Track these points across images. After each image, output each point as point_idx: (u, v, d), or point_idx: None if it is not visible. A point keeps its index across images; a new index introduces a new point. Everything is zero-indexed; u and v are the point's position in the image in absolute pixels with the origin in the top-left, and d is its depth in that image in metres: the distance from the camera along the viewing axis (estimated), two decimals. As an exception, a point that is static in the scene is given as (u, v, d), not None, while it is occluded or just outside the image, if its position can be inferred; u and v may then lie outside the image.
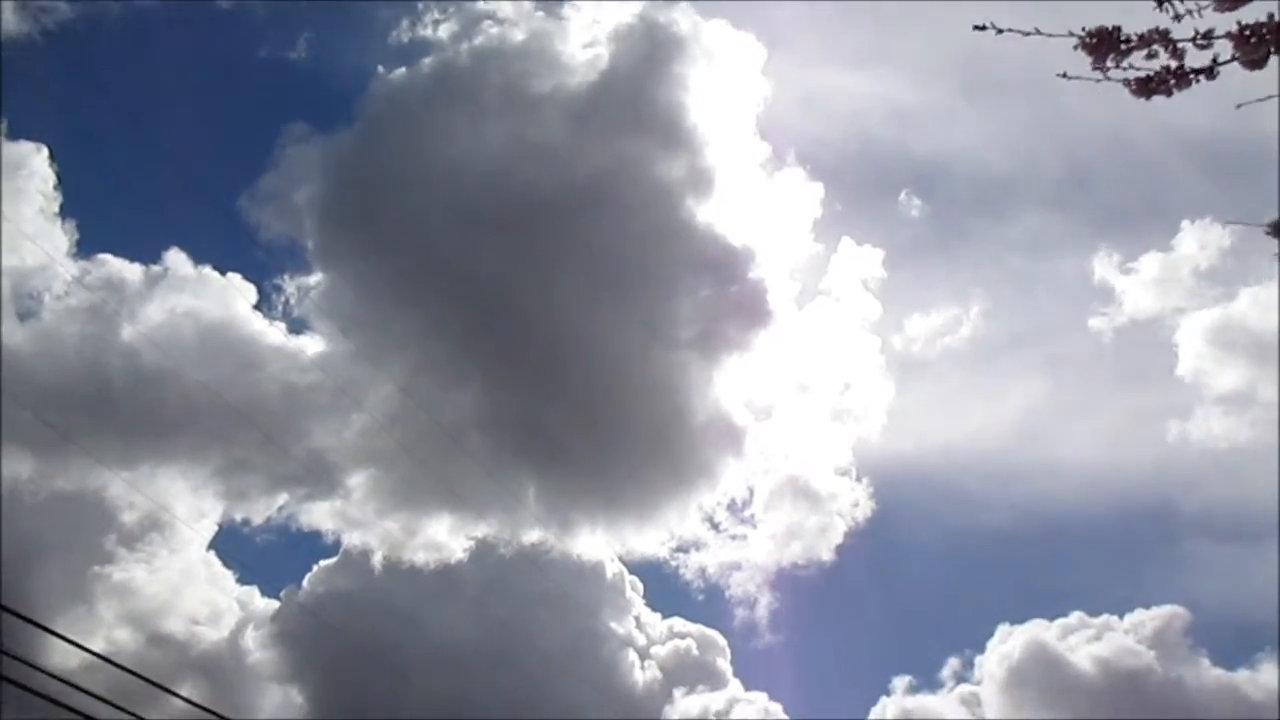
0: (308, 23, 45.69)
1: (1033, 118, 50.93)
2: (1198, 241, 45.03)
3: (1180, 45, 3.86)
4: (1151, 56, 3.90)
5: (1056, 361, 53.87)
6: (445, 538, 34.43)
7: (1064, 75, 3.96)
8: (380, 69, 46.19)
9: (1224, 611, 48.96)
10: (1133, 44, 3.86)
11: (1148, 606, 40.36)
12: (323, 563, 35.82)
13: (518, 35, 38.43)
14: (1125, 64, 3.98)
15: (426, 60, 39.86)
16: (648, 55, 37.66)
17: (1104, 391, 53.51)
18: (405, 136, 37.14)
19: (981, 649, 40.08)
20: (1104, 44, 3.86)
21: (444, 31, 39.89)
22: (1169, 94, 4.05)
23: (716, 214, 43.41)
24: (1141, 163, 50.52)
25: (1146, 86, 4.02)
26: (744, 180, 43.79)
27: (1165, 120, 46.75)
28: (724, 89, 40.41)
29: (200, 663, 32.87)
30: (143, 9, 40.83)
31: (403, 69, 39.73)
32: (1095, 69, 3.88)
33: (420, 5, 47.95)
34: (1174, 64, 3.95)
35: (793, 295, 53.51)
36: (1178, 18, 3.87)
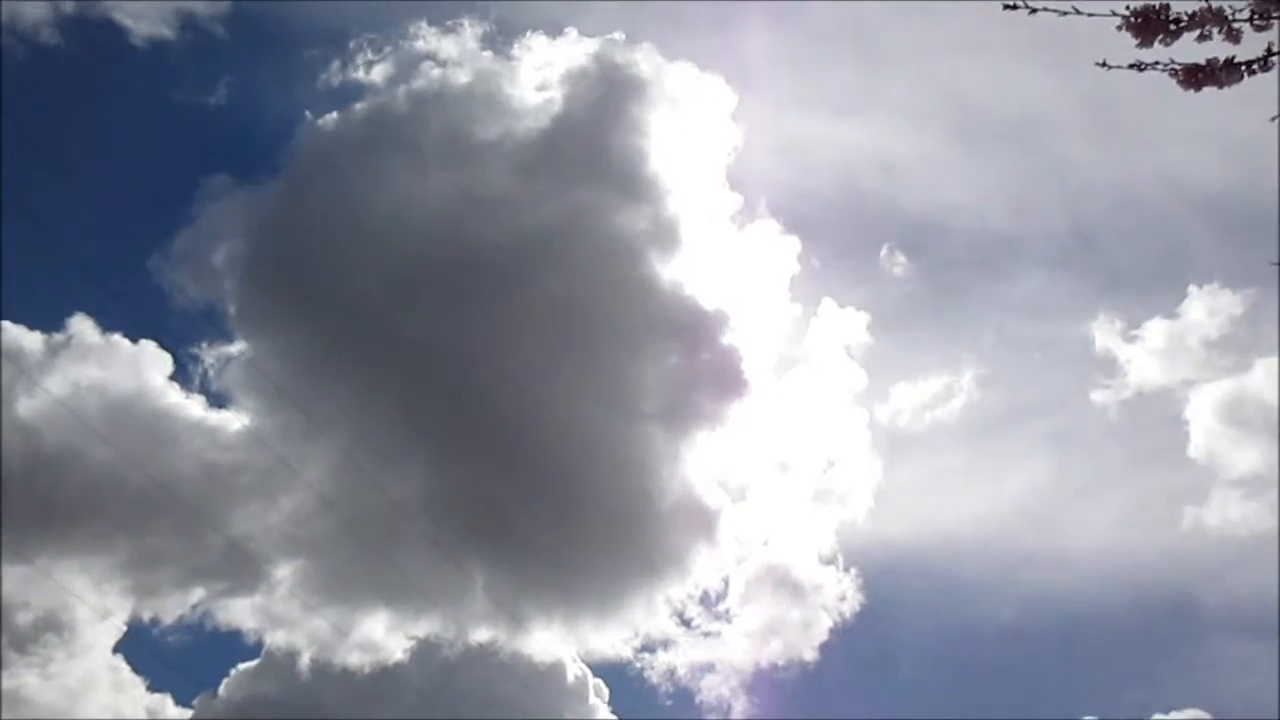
0: (229, 64, 45.28)
1: (1030, 170, 50.28)
2: (1206, 308, 44.23)
3: (1236, 26, 3.65)
4: (1204, 39, 3.69)
5: (1058, 437, 52.49)
6: (382, 636, 33.50)
7: (1103, 64, 3.74)
8: (308, 114, 45.95)
9: (1249, 715, 47.14)
10: (1183, 24, 3.64)
11: (1167, 710, 40.13)
12: (242, 666, 34.87)
13: (461, 77, 38.28)
14: (1170, 51, 3.77)
15: (359, 105, 39.38)
16: (605, 99, 37.33)
17: (1111, 472, 51.62)
18: (337, 188, 36.58)
19: (983, 759, 38.88)
20: (1151, 23, 3.64)
21: (378, 74, 39.68)
22: (1220, 85, 3.85)
23: (684, 272, 42.67)
24: (1146, 221, 49.88)
25: (1195, 77, 3.82)
26: (713, 235, 43.03)
27: (1172, 174, 46.59)
28: (690, 135, 39.85)
29: (104, 780, 31.41)
30: (46, 49, 40.13)
31: (334, 114, 39.18)
32: (1141, 48, 3.65)
33: (352, 44, 47.30)
34: (1228, 50, 3.74)
35: (769, 363, 52.85)
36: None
